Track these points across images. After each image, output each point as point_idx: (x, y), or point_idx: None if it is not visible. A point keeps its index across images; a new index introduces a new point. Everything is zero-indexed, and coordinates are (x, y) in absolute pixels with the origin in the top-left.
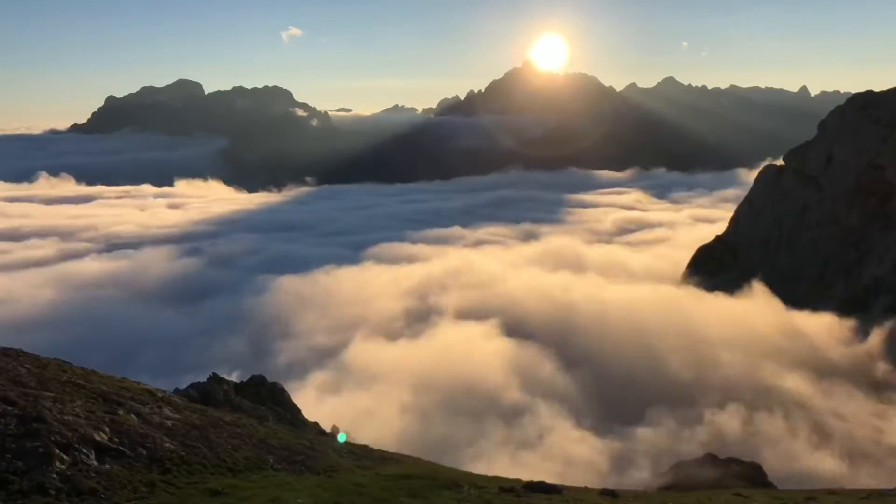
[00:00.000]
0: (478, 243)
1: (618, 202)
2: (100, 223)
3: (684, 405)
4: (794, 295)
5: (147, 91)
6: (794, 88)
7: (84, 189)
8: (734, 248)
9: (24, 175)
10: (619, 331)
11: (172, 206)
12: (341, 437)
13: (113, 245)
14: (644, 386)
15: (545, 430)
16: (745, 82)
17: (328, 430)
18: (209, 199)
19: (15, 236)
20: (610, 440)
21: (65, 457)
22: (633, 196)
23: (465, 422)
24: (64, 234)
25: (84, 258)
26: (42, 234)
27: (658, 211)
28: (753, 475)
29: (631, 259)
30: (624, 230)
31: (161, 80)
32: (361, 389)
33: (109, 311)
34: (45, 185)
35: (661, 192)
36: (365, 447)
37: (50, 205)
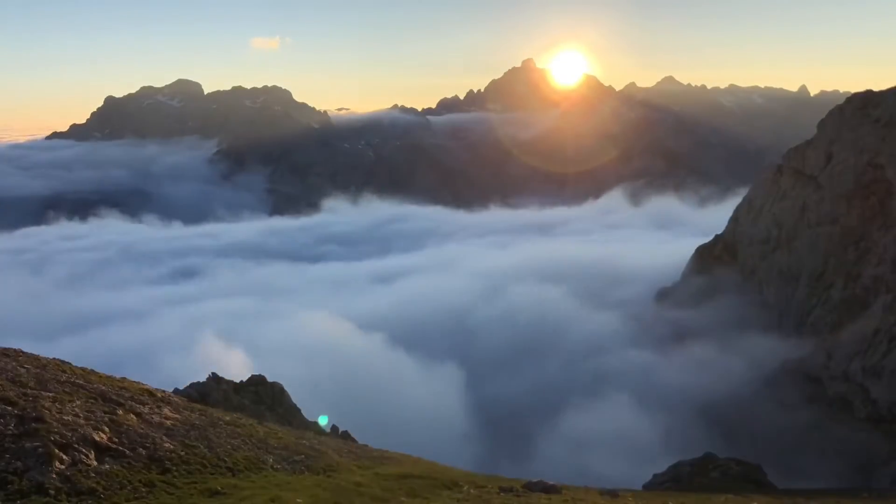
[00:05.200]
0: None
1: None
2: None
3: None
4: (794, 294)
5: (146, 91)
6: (794, 87)
7: None
8: (733, 247)
9: None
10: None
11: None
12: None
13: None
14: None
15: None
16: (744, 81)
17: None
18: None
19: None
20: None
21: (64, 457)
22: None
23: None
24: None
25: None
26: None
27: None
28: (753, 475)
29: None
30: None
31: (160, 79)
32: None
33: None
34: None
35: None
36: (364, 446)
37: None
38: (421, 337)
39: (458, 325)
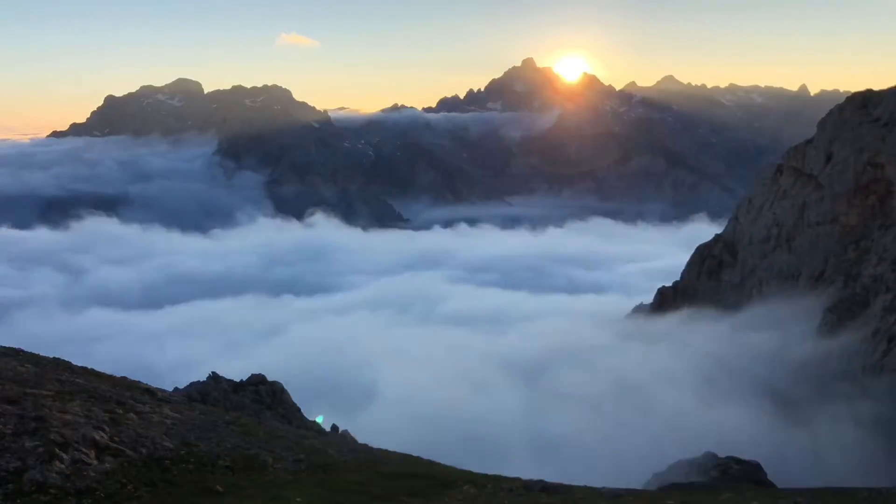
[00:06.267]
0: None
1: None
2: None
3: None
4: (793, 293)
5: (146, 90)
6: (794, 87)
7: None
8: (733, 246)
9: None
10: None
11: None
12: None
13: None
14: None
15: None
16: (744, 80)
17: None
18: None
19: None
20: None
21: (64, 456)
22: None
23: None
24: None
25: None
26: None
27: None
28: (753, 474)
29: None
30: None
31: (160, 78)
32: None
33: None
34: None
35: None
36: (364, 445)
37: None
38: None
39: None
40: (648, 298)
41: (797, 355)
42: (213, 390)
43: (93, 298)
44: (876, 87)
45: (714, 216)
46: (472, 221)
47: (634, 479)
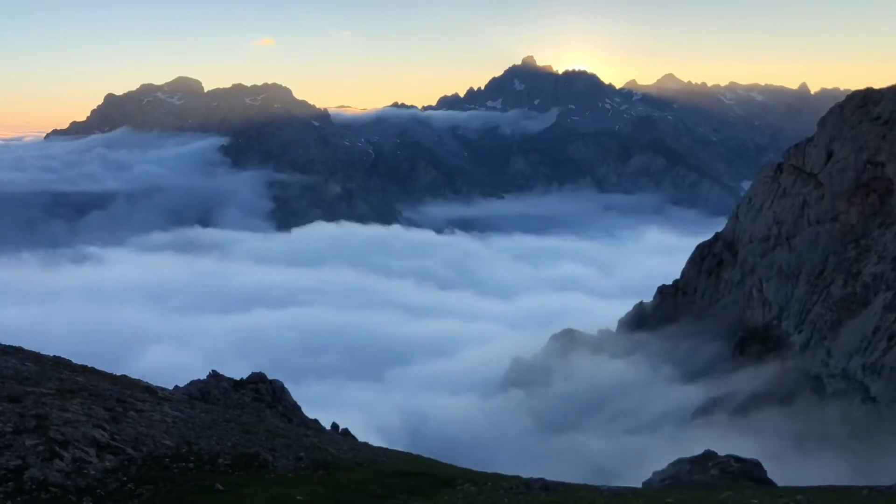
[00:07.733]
0: None
1: None
2: None
3: None
4: (793, 292)
5: (146, 88)
6: (794, 85)
7: None
8: (733, 244)
9: None
10: None
11: None
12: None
13: None
14: None
15: None
16: (744, 79)
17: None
18: None
19: None
20: None
21: (65, 454)
22: None
23: None
24: None
25: None
26: None
27: None
28: (752, 472)
29: None
30: None
31: (160, 77)
32: None
33: None
34: None
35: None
36: (365, 444)
37: None
38: None
39: None
40: (648, 297)
41: None
42: (214, 388)
43: None
44: (876, 86)
45: (714, 214)
46: (472, 220)
47: (635, 476)
